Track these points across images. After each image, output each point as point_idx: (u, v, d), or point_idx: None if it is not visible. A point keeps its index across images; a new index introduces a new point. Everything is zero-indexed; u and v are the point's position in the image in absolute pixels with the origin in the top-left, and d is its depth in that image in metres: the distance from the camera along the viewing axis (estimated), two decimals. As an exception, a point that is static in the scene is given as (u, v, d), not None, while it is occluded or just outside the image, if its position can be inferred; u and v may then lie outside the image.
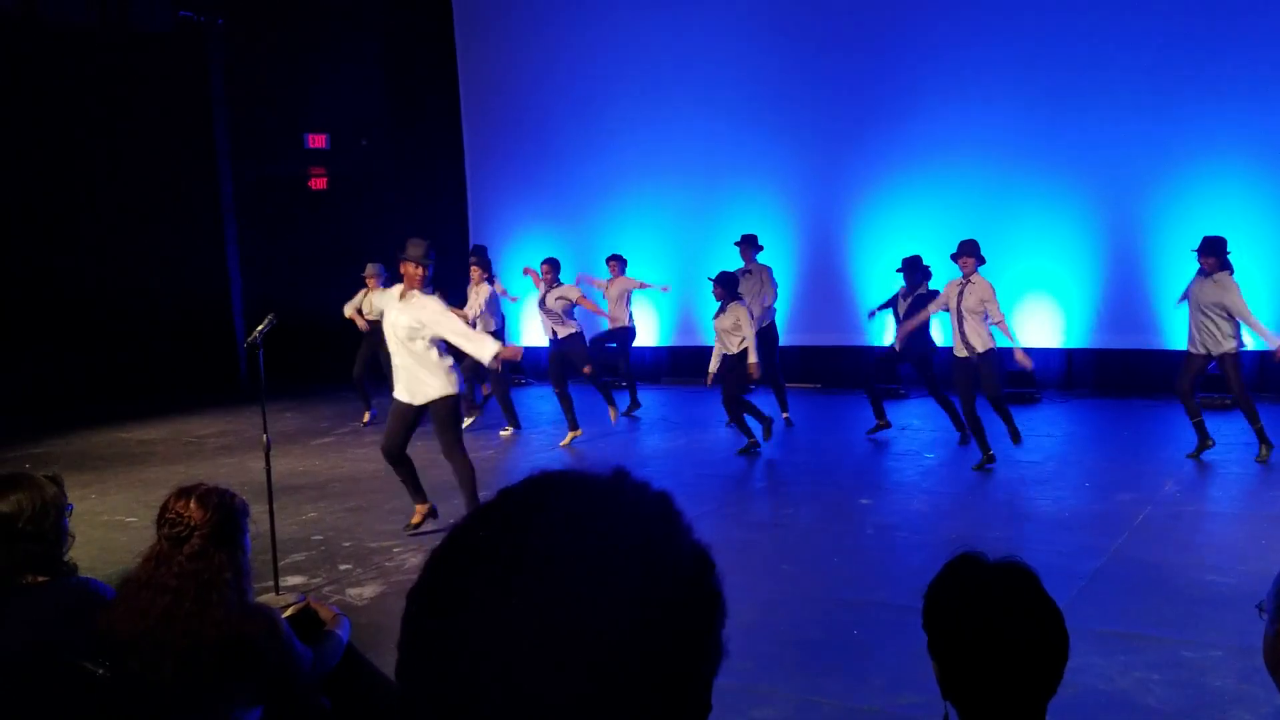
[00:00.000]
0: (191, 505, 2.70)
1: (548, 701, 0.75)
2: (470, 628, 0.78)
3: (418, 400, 7.25)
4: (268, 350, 6.26)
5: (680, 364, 14.83)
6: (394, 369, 7.34)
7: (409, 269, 7.14)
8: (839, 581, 6.23)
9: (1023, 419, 11.28)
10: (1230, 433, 10.13)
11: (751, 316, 10.00)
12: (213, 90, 15.30)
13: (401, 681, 0.82)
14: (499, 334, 11.79)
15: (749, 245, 11.57)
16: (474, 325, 9.81)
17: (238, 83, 15.60)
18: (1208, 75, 11.79)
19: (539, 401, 13.44)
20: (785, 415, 11.41)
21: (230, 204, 15.62)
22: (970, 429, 9.19)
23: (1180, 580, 5.97)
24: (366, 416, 12.25)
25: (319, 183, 16.48)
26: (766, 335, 11.07)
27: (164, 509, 2.72)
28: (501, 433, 11.29)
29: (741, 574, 6.23)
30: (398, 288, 7.36)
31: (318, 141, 16.37)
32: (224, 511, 2.72)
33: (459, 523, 0.85)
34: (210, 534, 2.69)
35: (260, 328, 6.16)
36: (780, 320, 12.78)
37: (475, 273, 11.56)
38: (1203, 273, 9.11)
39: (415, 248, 7.18)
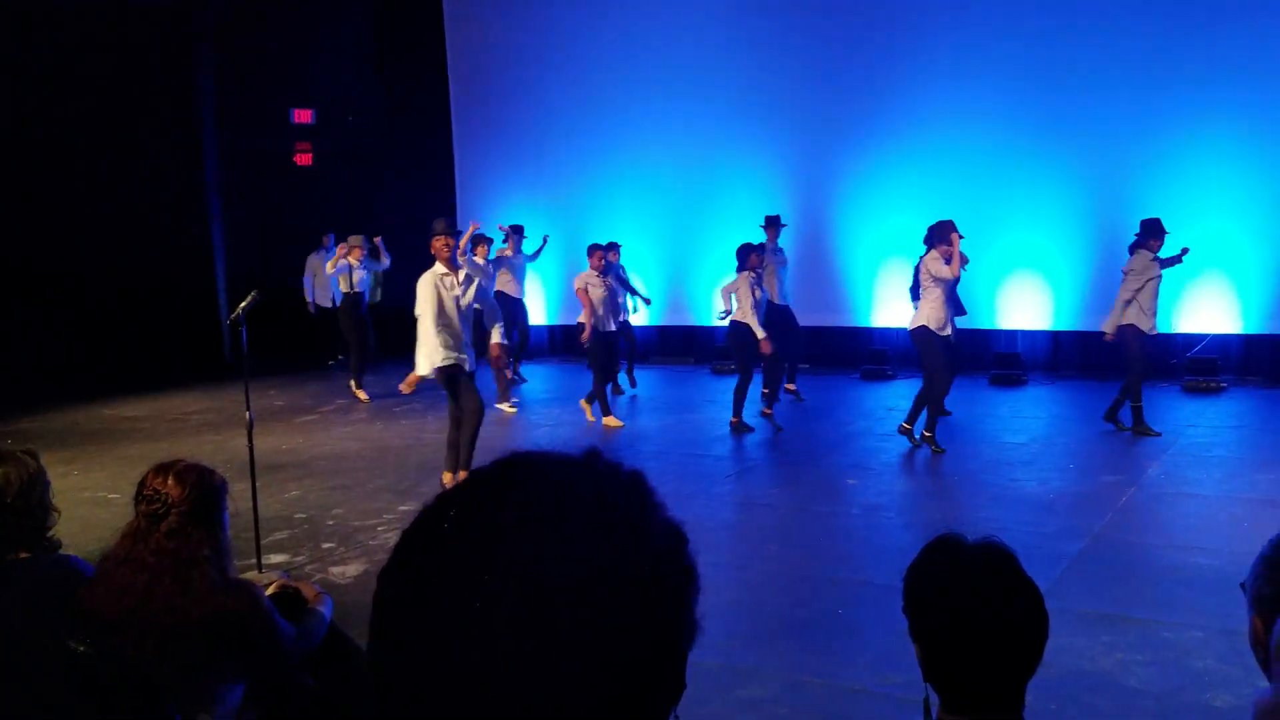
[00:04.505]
0: (169, 482, 2.68)
1: (519, 680, 0.75)
2: (441, 607, 0.77)
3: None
4: (252, 327, 6.23)
5: (670, 343, 14.83)
6: (456, 340, 7.57)
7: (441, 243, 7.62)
8: (825, 561, 6.24)
9: (1008, 400, 11.34)
10: (1215, 416, 10.17)
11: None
12: (198, 64, 15.17)
13: (373, 661, 0.81)
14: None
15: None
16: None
17: (223, 56, 15.47)
18: (1200, 55, 11.77)
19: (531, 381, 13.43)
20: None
21: (214, 178, 15.50)
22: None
23: (1162, 562, 6.00)
24: (364, 395, 12.23)
25: (304, 158, 16.38)
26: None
27: (142, 485, 2.70)
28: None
29: (727, 554, 6.24)
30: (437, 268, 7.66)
31: (304, 117, 16.25)
32: (202, 489, 2.70)
33: (429, 503, 0.84)
34: (188, 511, 2.66)
35: (243, 304, 6.12)
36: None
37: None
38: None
39: (441, 222, 7.80)
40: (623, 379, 12.30)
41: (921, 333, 8.81)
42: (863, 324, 13.61)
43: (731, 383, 10.24)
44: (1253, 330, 11.87)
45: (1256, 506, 6.98)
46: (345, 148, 16.44)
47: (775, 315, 11.29)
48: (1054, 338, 12.91)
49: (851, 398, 11.87)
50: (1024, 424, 10.13)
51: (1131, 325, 9.20)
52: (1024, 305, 12.83)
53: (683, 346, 14.65)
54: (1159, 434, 9.15)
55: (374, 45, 16.61)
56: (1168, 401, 10.91)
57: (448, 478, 7.62)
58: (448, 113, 16.22)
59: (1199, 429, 9.56)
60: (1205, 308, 11.97)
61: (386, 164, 16.41)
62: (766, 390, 10.21)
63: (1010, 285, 12.82)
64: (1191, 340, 11.98)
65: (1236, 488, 7.56)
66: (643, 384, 12.93)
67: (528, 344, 13.88)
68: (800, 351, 11.95)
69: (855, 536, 6.86)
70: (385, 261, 13.44)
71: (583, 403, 10.68)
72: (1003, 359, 12.59)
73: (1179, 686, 4.41)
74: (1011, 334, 12.96)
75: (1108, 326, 9.43)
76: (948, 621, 1.72)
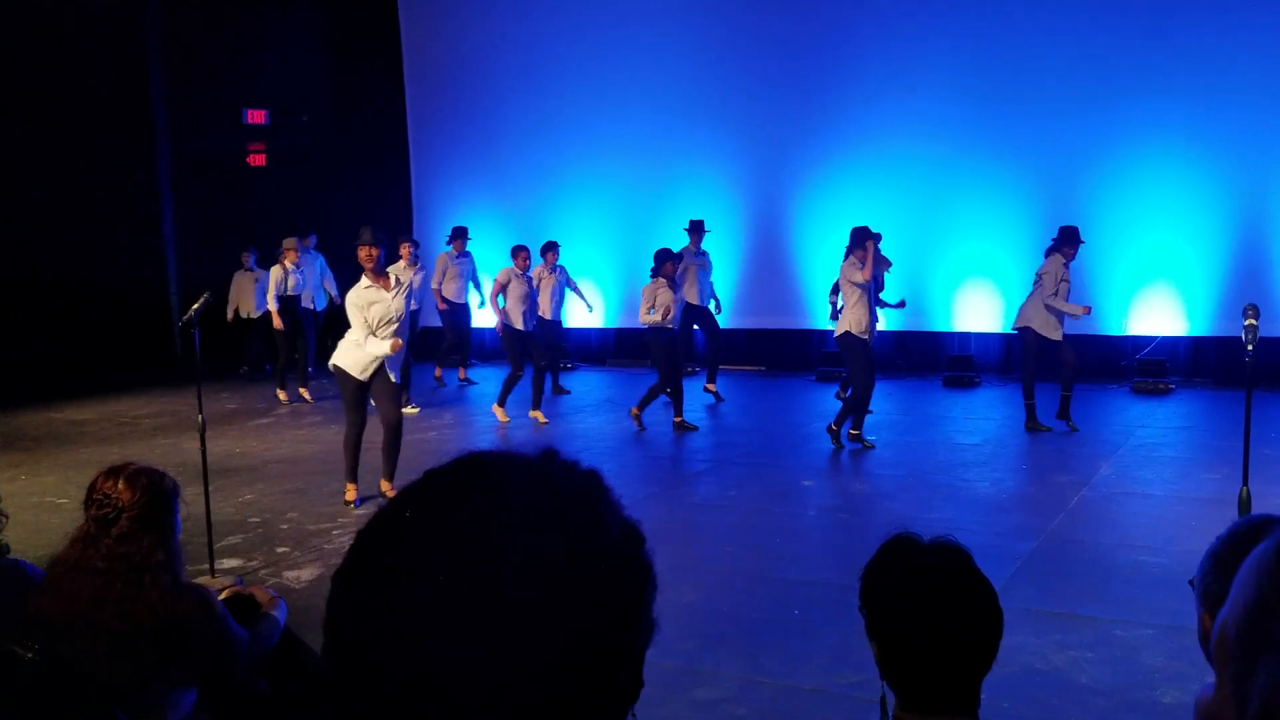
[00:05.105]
0: (120, 485, 2.63)
1: (475, 679, 0.74)
2: (396, 608, 0.76)
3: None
4: (204, 329, 6.16)
5: (625, 346, 14.82)
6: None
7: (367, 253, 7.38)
8: (781, 562, 6.27)
9: (962, 402, 11.45)
10: (1163, 416, 10.34)
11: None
12: (150, 63, 14.94)
13: (328, 663, 0.80)
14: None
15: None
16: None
17: (175, 55, 15.25)
18: (1143, 71, 12.04)
19: (490, 383, 13.37)
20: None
21: (166, 179, 15.28)
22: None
23: (1113, 561, 6.08)
24: (285, 396, 12.17)
25: (258, 159, 16.19)
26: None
27: (92, 489, 2.65)
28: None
29: (684, 555, 6.24)
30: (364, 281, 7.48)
31: (257, 117, 16.05)
32: (154, 492, 2.66)
33: (385, 503, 0.84)
34: (139, 515, 2.62)
35: (195, 306, 6.06)
36: (725, 303, 12.82)
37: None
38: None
39: (367, 231, 7.48)
40: (561, 380, 12.60)
41: (846, 338, 9.11)
42: (818, 327, 13.70)
43: (688, 384, 10.32)
44: (1198, 333, 12.08)
45: (1204, 505, 7.10)
46: (299, 148, 16.27)
47: (695, 317, 11.38)
48: (1005, 340, 13.06)
49: (807, 400, 11.93)
50: (977, 425, 10.24)
51: (1029, 328, 9.53)
52: (976, 309, 12.99)
53: (637, 349, 14.64)
54: (1048, 429, 9.58)
55: (329, 44, 16.45)
56: (1118, 403, 11.09)
57: (352, 491, 7.66)
58: (403, 112, 16.12)
59: (1148, 430, 9.71)
60: (1153, 312, 12.18)
61: (342, 164, 16.25)
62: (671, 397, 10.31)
63: (963, 290, 12.98)
64: (1140, 343, 12.18)
65: (1185, 487, 7.68)
66: (598, 386, 12.92)
67: (469, 348, 13.83)
68: (720, 352, 11.98)
69: (812, 537, 6.89)
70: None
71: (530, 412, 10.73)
72: (956, 361, 12.73)
73: (1129, 683, 4.47)
74: (965, 336, 13.11)
75: (1056, 330, 9.65)
76: (904, 620, 1.74)
